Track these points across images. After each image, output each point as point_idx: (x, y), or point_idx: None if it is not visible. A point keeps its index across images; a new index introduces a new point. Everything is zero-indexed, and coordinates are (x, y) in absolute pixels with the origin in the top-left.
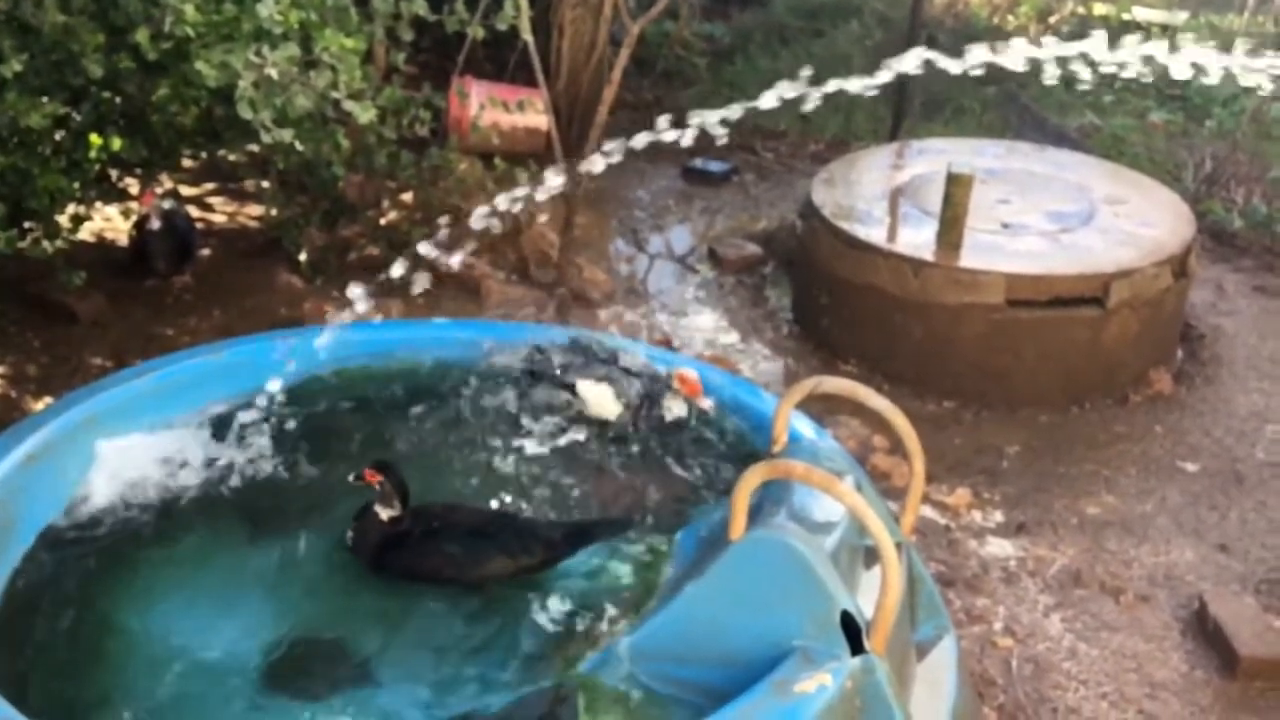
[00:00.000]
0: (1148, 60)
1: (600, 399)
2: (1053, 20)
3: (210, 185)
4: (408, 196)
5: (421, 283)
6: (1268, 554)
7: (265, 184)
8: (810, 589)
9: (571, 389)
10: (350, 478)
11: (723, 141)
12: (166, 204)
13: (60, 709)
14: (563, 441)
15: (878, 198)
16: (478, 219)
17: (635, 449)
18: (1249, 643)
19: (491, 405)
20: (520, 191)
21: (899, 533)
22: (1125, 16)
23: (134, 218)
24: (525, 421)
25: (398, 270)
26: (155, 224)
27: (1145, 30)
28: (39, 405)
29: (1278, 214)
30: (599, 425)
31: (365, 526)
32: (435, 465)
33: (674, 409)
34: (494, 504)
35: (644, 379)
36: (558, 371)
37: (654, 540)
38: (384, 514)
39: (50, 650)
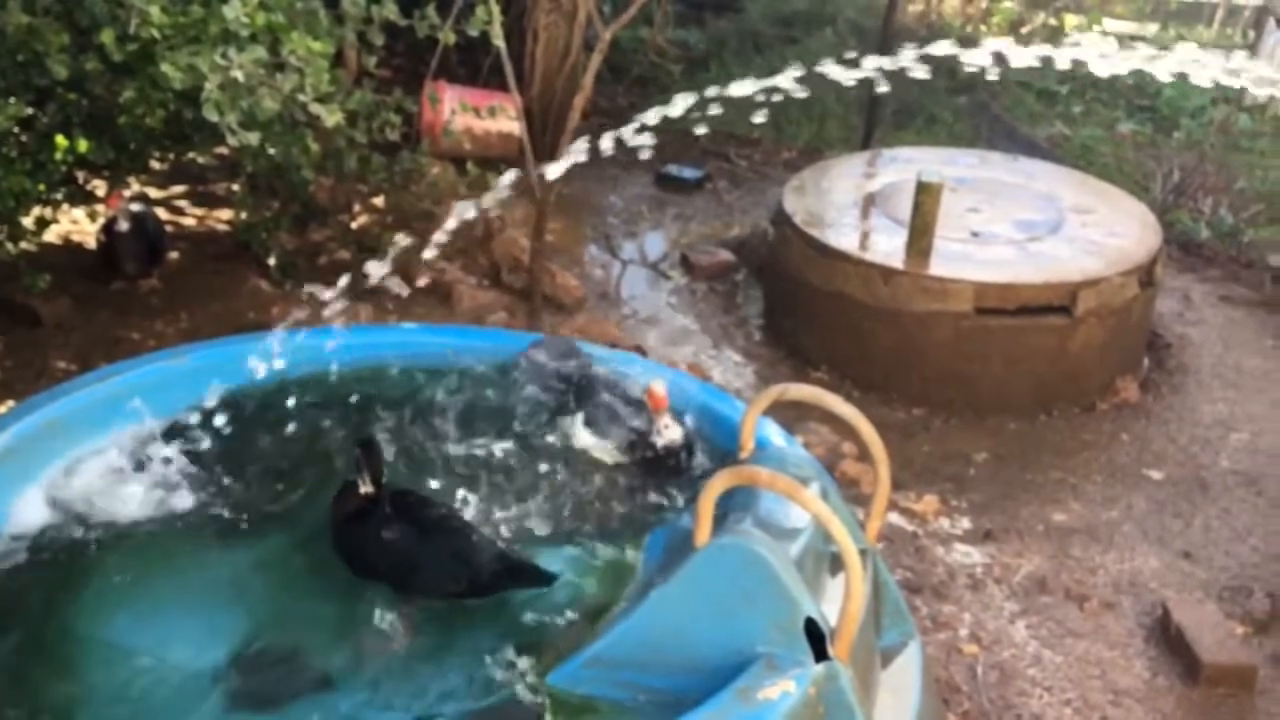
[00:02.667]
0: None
1: (598, 448)
2: (1024, 30)
3: (179, 188)
4: (379, 200)
5: (394, 287)
6: (1231, 561)
7: (235, 187)
8: (774, 595)
9: (570, 423)
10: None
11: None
12: (135, 206)
13: (19, 717)
14: (542, 454)
15: (849, 206)
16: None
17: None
18: (1211, 649)
19: (465, 410)
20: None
21: (864, 539)
22: (1096, 28)
23: (101, 220)
24: (503, 431)
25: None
26: (123, 226)
27: (1116, 42)
28: (2, 409)
29: (1244, 224)
30: (590, 462)
31: (343, 497)
32: (402, 468)
33: (665, 435)
34: (464, 509)
35: (640, 407)
36: (553, 399)
37: (620, 547)
38: (362, 489)
39: (9, 659)
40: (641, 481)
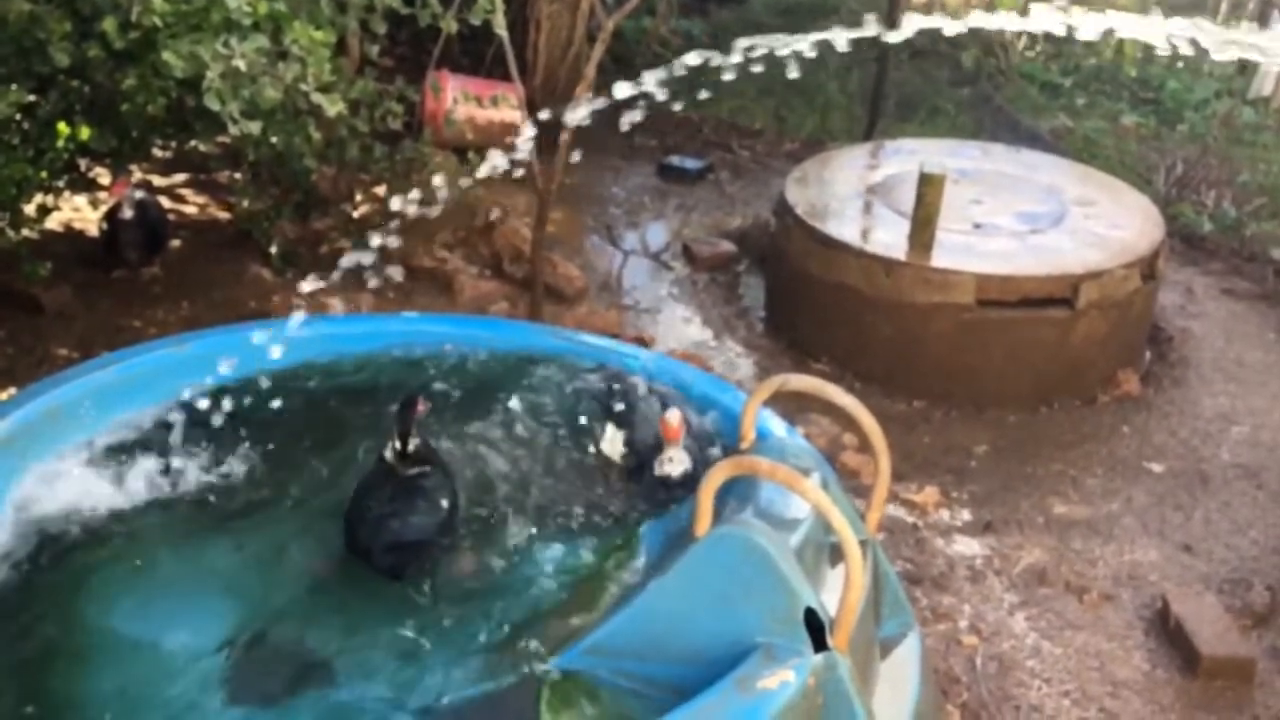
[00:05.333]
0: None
1: (612, 441)
2: None
3: (181, 176)
4: (381, 190)
5: (394, 276)
6: (1230, 554)
7: (237, 176)
8: (774, 585)
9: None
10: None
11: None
12: (138, 194)
13: (19, 706)
14: (554, 448)
15: (851, 197)
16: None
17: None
18: (1210, 642)
19: (472, 398)
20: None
21: (864, 530)
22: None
23: (104, 207)
24: (516, 421)
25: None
26: (127, 213)
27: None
28: (3, 396)
29: (1247, 218)
30: (604, 462)
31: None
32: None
33: (665, 466)
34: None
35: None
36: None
37: (620, 536)
38: (393, 447)
39: (8, 645)
40: (640, 493)
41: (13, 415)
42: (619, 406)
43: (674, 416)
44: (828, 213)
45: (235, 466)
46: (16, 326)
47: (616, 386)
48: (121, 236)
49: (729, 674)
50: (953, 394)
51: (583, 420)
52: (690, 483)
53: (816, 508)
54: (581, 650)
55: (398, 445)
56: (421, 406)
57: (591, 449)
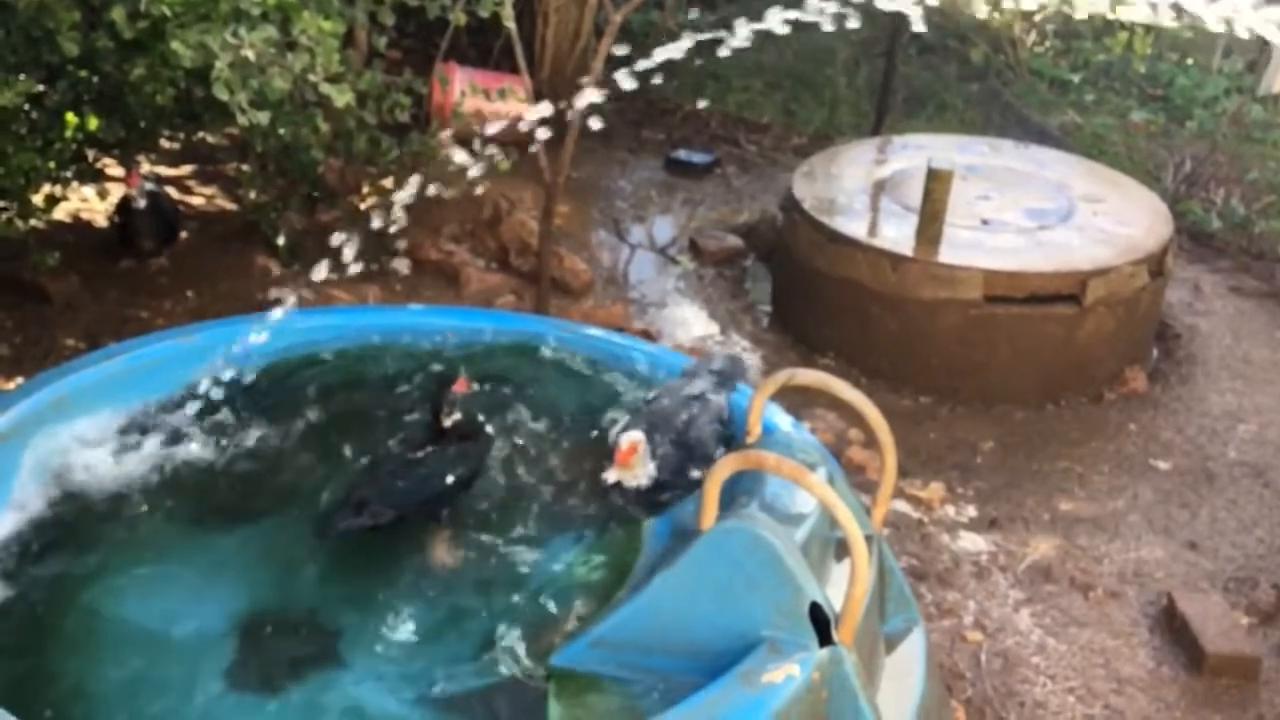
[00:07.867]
0: None
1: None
2: (1037, 17)
3: (188, 168)
4: (388, 182)
5: (400, 268)
6: (1236, 552)
7: (244, 167)
8: (779, 580)
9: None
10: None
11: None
12: (148, 185)
13: (26, 692)
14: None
15: (858, 192)
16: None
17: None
18: (1215, 640)
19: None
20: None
21: (869, 525)
22: (1110, 16)
23: (115, 198)
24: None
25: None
26: (140, 204)
27: (1129, 30)
28: (10, 385)
29: (1256, 215)
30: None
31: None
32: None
33: (608, 474)
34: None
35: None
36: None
37: (626, 530)
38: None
39: (16, 633)
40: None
41: (20, 405)
42: (633, 401)
43: (625, 440)
44: (835, 208)
45: (240, 456)
46: (24, 316)
47: (635, 380)
48: (136, 226)
49: (734, 668)
50: (959, 390)
51: (593, 415)
52: (637, 496)
53: (822, 502)
54: (587, 643)
55: (430, 420)
56: (459, 386)
57: (601, 442)
